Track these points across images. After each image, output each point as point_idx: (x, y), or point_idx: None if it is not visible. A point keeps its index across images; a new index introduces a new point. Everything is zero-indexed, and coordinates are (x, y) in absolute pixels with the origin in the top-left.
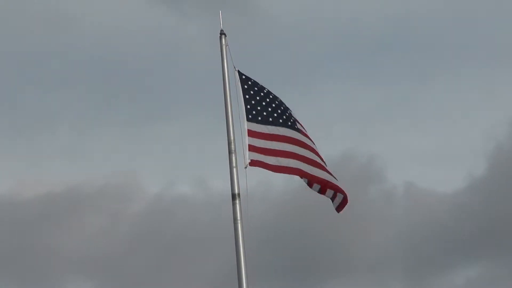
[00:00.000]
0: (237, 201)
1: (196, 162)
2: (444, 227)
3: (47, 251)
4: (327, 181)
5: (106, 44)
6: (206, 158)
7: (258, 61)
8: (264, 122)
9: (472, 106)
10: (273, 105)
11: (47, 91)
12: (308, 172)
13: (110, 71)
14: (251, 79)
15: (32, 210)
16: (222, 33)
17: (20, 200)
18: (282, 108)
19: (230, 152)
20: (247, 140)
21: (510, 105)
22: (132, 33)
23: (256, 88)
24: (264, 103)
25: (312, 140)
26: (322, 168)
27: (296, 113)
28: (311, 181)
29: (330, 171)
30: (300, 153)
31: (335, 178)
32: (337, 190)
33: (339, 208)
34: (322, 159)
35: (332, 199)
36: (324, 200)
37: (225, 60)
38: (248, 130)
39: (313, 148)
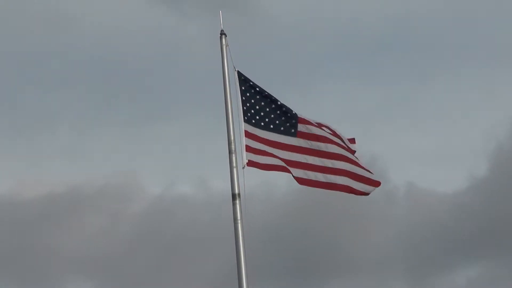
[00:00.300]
0: (237, 201)
1: (196, 162)
2: (444, 227)
3: (47, 251)
4: (330, 184)
5: (106, 44)
6: (207, 158)
7: (258, 61)
8: (257, 125)
9: (472, 106)
10: (267, 109)
11: (47, 91)
12: (306, 178)
13: (110, 71)
14: (251, 81)
15: (32, 210)
16: (222, 33)
17: (20, 200)
18: (278, 112)
19: (230, 152)
20: (244, 141)
21: (511, 105)
22: (132, 33)
23: (253, 91)
24: (258, 107)
25: (324, 136)
26: (325, 170)
27: (298, 113)
28: (310, 185)
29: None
30: (292, 159)
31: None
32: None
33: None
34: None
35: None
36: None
37: (225, 60)
38: (245, 131)
39: (313, 151)
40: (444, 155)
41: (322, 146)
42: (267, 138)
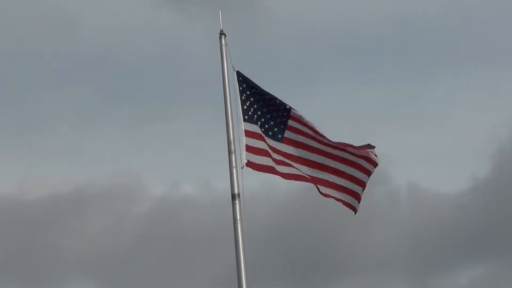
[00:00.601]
0: (237, 201)
1: (198, 163)
2: (446, 227)
3: (50, 252)
4: (328, 182)
5: (106, 44)
6: (210, 158)
7: (258, 61)
8: (257, 124)
9: (474, 106)
10: (265, 109)
11: (48, 91)
12: (303, 175)
13: (110, 71)
14: (250, 80)
15: (35, 210)
16: (221, 33)
17: (24, 201)
18: (269, 116)
19: (230, 152)
20: (244, 140)
21: None
22: (131, 33)
23: (253, 90)
24: (256, 106)
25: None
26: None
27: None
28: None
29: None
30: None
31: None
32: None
33: (351, 207)
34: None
35: (341, 201)
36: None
37: (225, 60)
38: (245, 130)
39: (299, 158)
40: (446, 156)
41: (308, 155)
42: (265, 136)
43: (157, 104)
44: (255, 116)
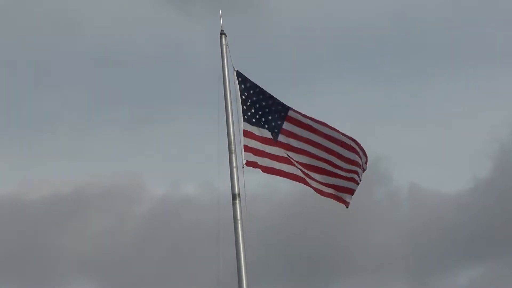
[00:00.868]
0: (237, 201)
1: (200, 163)
2: (447, 227)
3: (51, 252)
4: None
5: (107, 44)
6: (209, 158)
7: (258, 61)
8: (257, 124)
9: (476, 106)
10: (267, 109)
11: (49, 91)
12: (300, 176)
13: (111, 70)
14: (250, 80)
15: (36, 211)
16: (222, 33)
17: (25, 201)
18: (269, 117)
19: (230, 152)
20: (243, 140)
21: None
22: (131, 33)
23: (252, 91)
24: (258, 105)
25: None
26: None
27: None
28: (306, 184)
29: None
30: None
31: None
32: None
33: (343, 202)
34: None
35: (335, 197)
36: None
37: (225, 60)
38: (244, 130)
39: (289, 160)
40: (447, 156)
41: (300, 158)
42: (266, 136)
43: (158, 104)
44: (256, 116)
